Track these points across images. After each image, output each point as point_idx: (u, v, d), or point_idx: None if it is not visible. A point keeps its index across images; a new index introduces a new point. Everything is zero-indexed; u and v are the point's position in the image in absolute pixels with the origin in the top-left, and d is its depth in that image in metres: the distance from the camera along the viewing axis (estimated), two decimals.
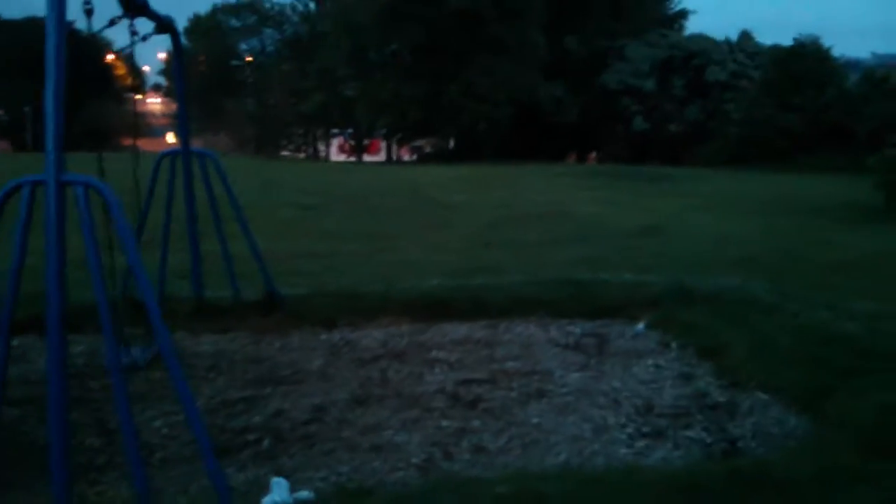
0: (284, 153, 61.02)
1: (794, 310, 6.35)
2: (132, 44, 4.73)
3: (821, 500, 3.17)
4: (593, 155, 47.07)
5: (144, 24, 5.01)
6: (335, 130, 59.76)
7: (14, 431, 4.31)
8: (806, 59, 32.21)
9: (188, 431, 4.20)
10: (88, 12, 3.95)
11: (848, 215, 14.99)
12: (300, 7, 58.51)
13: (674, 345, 5.78)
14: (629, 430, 4.30)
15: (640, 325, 6.26)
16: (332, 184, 21.04)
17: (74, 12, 4.00)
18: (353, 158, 55.85)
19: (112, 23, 4.51)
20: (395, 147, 53.57)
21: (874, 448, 3.69)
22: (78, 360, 5.30)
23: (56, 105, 3.30)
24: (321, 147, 62.56)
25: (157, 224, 6.19)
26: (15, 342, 5.31)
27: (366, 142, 57.23)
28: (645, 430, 4.29)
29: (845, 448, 3.72)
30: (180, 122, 6.13)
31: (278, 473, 3.71)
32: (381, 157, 54.43)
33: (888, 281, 8.37)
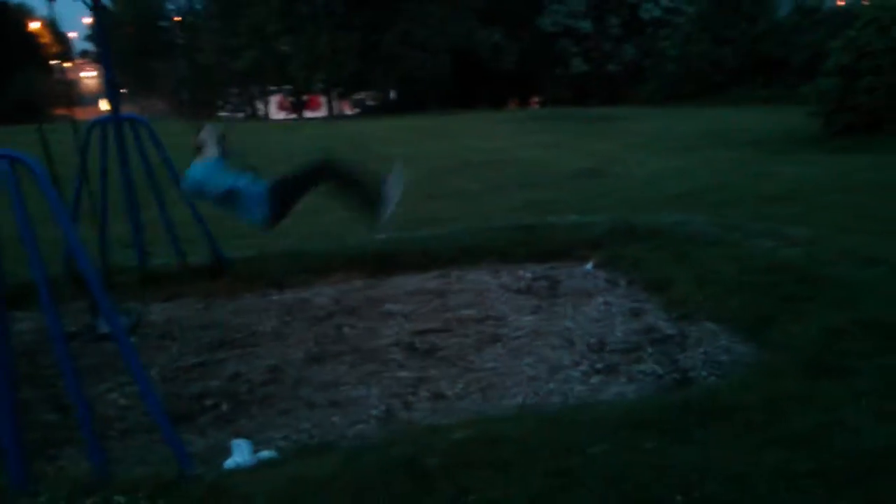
0: (222, 114, 59.71)
1: (736, 240, 6.49)
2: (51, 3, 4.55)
3: (769, 424, 3.29)
4: (535, 99, 47.06)
5: None
6: (273, 88, 58.57)
7: None
8: None
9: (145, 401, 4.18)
10: None
11: (784, 146, 15.30)
12: None
13: (622, 282, 5.89)
14: (583, 367, 4.38)
15: (589, 265, 6.36)
16: (271, 143, 20.70)
17: None
18: (293, 116, 54.94)
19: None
20: (335, 102, 52.82)
21: (818, 370, 3.82)
22: (26, 336, 5.19)
23: None
24: (260, 106, 61.34)
25: (95, 195, 6.04)
26: None
27: (305, 98, 56.28)
28: (598, 366, 4.38)
29: (791, 372, 3.85)
30: (108, 89, 5.94)
31: (238, 436, 3.71)
32: (323, 112, 53.66)
33: (824, 208, 8.59)
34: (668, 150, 15.43)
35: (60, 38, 46.39)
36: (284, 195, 4.67)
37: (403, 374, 4.44)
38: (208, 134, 4.80)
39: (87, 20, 65.48)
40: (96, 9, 5.52)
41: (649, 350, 4.59)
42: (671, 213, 7.77)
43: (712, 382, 4.12)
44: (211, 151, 4.72)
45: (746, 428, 3.28)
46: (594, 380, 4.23)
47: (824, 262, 5.67)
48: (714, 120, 21.27)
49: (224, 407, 4.18)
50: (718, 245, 6.32)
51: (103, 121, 5.95)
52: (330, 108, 52.46)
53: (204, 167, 4.65)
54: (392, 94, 47.56)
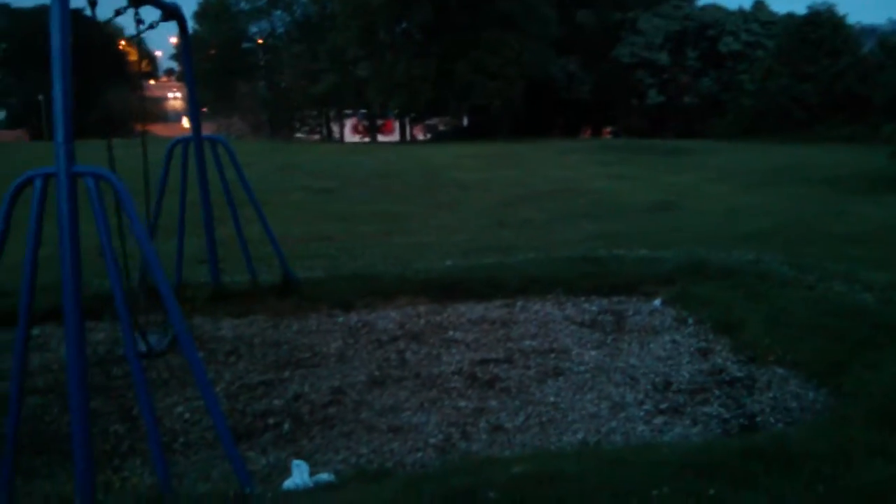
0: (299, 135, 60.98)
1: (810, 282, 6.32)
2: (139, 33, 4.72)
3: (837, 475, 3.17)
4: (608, 129, 46.78)
5: (151, 11, 5.01)
6: (348, 111, 59.61)
7: (37, 420, 4.37)
8: (821, 27, 31.77)
9: (210, 417, 4.26)
10: (92, 3, 3.95)
11: (863, 185, 14.87)
12: None
13: (690, 320, 5.77)
14: (647, 406, 4.30)
15: (657, 301, 6.25)
16: (345, 166, 21.07)
17: (81, 2, 4.02)
18: (367, 139, 55.76)
19: (118, 13, 4.51)
20: (408, 126, 53.42)
21: (891, 420, 3.67)
22: (100, 347, 5.36)
23: (64, 98, 3.31)
24: (335, 128, 62.46)
25: (173, 211, 6.23)
26: (35, 331, 5.40)
27: (379, 122, 57.10)
28: (663, 406, 4.29)
29: (863, 421, 3.71)
30: (191, 109, 6.14)
31: (298, 456, 3.75)
32: (396, 136, 54.30)
33: None
34: (744, 186, 15.14)
35: (145, 57, 48.10)
36: None
37: (463, 403, 4.43)
38: None
39: (174, 40, 67.87)
40: (183, 34, 5.71)
41: (716, 392, 4.48)
42: (745, 250, 7.61)
43: (780, 429, 4.00)
44: None
45: (815, 478, 3.16)
46: (658, 420, 4.14)
47: None
48: (792, 156, 20.80)
49: (286, 426, 4.23)
50: (792, 286, 6.16)
51: (185, 140, 6.14)
52: (403, 133, 53.06)
53: None
54: (465, 121, 47.87)
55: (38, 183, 3.39)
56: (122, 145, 4.96)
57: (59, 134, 3.28)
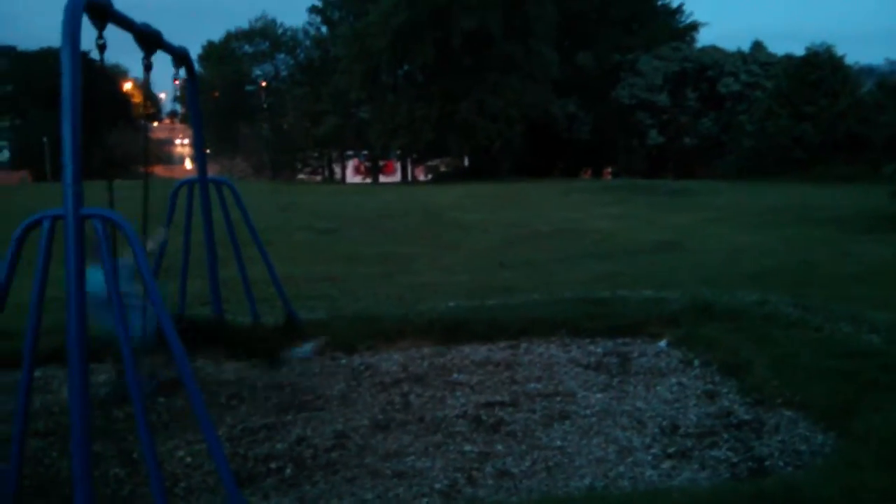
0: (301, 176, 61.38)
1: (816, 323, 6.28)
2: (146, 76, 4.78)
3: None
4: (608, 170, 47.06)
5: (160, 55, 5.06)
6: (350, 152, 60.09)
7: (37, 463, 4.32)
8: (819, 67, 32.08)
9: (211, 460, 4.21)
10: (101, 48, 3.99)
11: (865, 225, 14.88)
12: (312, 32, 59.01)
13: (696, 362, 5.73)
14: (654, 450, 4.25)
15: (662, 343, 6.21)
16: (347, 206, 21.15)
17: (91, 44, 4.05)
18: (368, 180, 56.09)
19: (148, 69, 4.60)
20: (410, 167, 53.76)
21: None
22: (101, 389, 5.31)
23: (73, 139, 3.32)
24: (337, 169, 62.87)
25: (177, 251, 6.23)
26: (37, 373, 5.36)
27: (381, 163, 57.49)
28: (670, 450, 4.24)
29: (873, 465, 3.66)
30: (196, 151, 6.18)
31: (301, 502, 3.70)
32: (397, 177, 54.63)
33: None
34: (745, 226, 15.16)
35: (151, 100, 48.69)
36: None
37: (468, 447, 4.38)
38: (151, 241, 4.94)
39: (177, 81, 68.50)
40: (191, 79, 5.76)
41: (724, 436, 4.43)
42: (749, 291, 7.58)
43: (790, 473, 3.95)
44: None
45: None
46: (666, 464, 4.09)
47: None
48: (793, 196, 20.87)
49: (288, 471, 4.18)
50: (798, 327, 6.12)
51: (190, 181, 6.17)
52: (404, 174, 53.40)
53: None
54: (465, 161, 48.18)
55: (45, 224, 3.40)
56: (126, 187, 4.97)
57: (68, 175, 3.29)
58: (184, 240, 6.20)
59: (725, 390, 5.15)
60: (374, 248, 13.40)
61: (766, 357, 5.45)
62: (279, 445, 4.51)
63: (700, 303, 6.88)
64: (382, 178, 55.61)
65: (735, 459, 4.14)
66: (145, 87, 5.26)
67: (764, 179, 28.59)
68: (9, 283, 3.56)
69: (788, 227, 14.73)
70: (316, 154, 62.09)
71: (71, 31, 3.39)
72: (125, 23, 4.17)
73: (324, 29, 57.57)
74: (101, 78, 5.18)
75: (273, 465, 4.25)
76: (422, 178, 53.81)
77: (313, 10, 57.10)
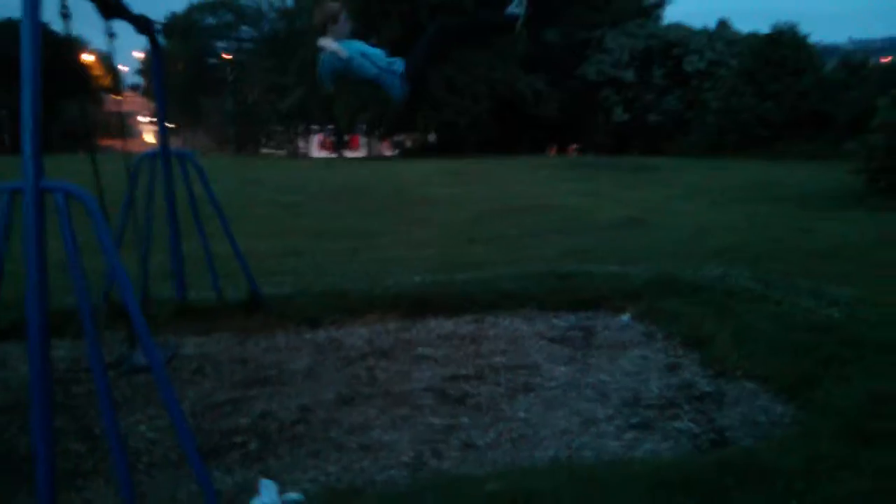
0: (265, 150, 60.75)
1: (778, 298, 6.37)
2: (110, 45, 4.67)
3: (808, 489, 3.18)
4: (574, 146, 47.18)
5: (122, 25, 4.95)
6: (315, 127, 59.54)
7: None
8: (783, 46, 32.32)
9: (174, 435, 4.17)
10: (65, 16, 3.89)
11: (828, 202, 15.09)
12: (277, 3, 58.20)
13: (659, 335, 5.80)
14: (617, 422, 4.29)
15: (626, 317, 6.27)
16: (313, 181, 20.98)
17: (51, 15, 3.94)
18: (333, 155, 55.68)
19: (112, 36, 4.51)
20: (375, 142, 53.43)
21: (859, 435, 3.70)
22: (60, 364, 5.24)
23: (34, 111, 3.25)
24: (301, 144, 62.32)
25: (138, 226, 6.13)
26: None
27: (346, 138, 57.06)
28: (633, 421, 4.29)
29: (831, 436, 3.74)
30: (159, 123, 6.07)
31: (266, 475, 3.68)
32: (362, 152, 54.30)
33: (869, 267, 8.41)
34: (710, 203, 15.30)
35: (112, 70, 47.75)
36: (419, 69, 4.73)
37: (434, 420, 4.39)
38: (340, 10, 4.67)
39: (139, 55, 67.23)
40: (154, 49, 5.65)
41: (685, 407, 4.49)
42: (713, 266, 7.66)
43: (750, 444, 4.01)
44: (343, 30, 4.63)
45: (786, 493, 3.17)
46: (628, 435, 4.13)
47: (868, 323, 5.53)
48: (757, 173, 21.09)
49: (252, 445, 4.16)
50: (760, 302, 6.21)
51: (152, 154, 6.06)
52: (370, 149, 53.08)
53: (347, 49, 4.56)
54: (431, 137, 48.00)
55: (4, 198, 3.32)
56: (83, 161, 4.86)
57: (27, 147, 3.22)
58: (146, 214, 6.10)
59: (687, 363, 5.22)
60: (340, 223, 13.32)
61: (727, 330, 5.52)
62: (243, 420, 4.49)
63: (663, 278, 6.96)
64: (348, 153, 55.25)
65: (697, 430, 4.20)
66: (108, 56, 5.13)
67: (728, 157, 28.87)
68: None
69: (752, 204, 14.89)
70: (281, 128, 61.48)
71: None
72: None
73: (289, 1, 56.82)
74: (62, 48, 5.05)
75: (237, 440, 4.22)
76: (388, 153, 53.56)
77: None
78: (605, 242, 10.34)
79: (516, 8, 4.74)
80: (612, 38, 41.88)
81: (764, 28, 35.91)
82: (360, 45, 4.65)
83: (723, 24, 44.23)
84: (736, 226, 11.93)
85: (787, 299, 6.24)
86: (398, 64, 4.65)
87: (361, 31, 35.81)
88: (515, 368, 5.17)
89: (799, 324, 5.51)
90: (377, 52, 4.67)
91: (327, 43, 4.52)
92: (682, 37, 41.57)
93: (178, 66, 57.13)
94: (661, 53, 41.21)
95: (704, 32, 42.49)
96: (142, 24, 5.23)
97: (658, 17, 48.54)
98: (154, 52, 5.80)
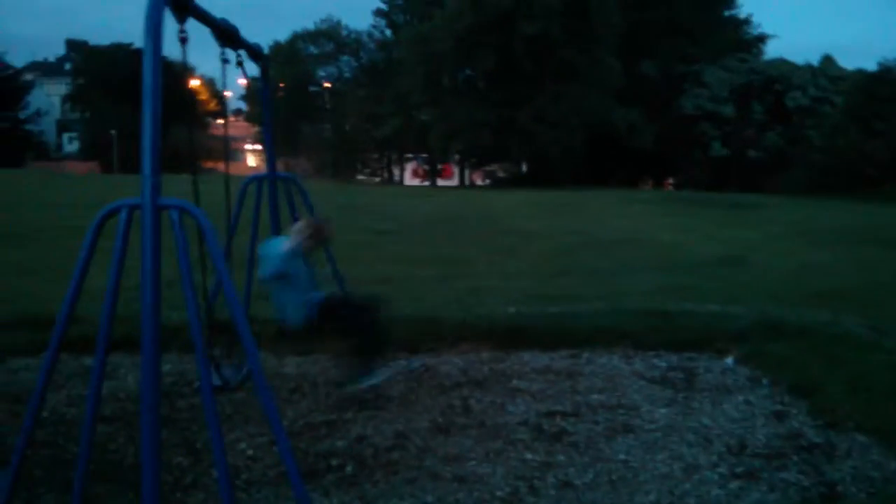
0: (360, 177, 61.90)
1: (889, 346, 6.08)
2: (224, 68, 4.83)
3: None
4: (670, 181, 46.42)
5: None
6: (409, 155, 60.41)
7: (102, 448, 4.38)
8: (891, 83, 31.18)
9: (273, 454, 4.23)
10: (183, 41, 4.03)
11: None
12: (377, 35, 59.52)
13: (765, 381, 5.58)
14: (721, 469, 4.13)
15: (730, 359, 6.07)
16: (406, 208, 21.21)
17: (169, 40, 4.10)
18: (426, 183, 56.29)
19: (226, 62, 4.71)
20: (467, 172, 53.81)
21: None
22: (166, 378, 5.39)
23: (153, 133, 3.37)
24: (395, 171, 63.27)
25: (242, 246, 6.28)
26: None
27: (439, 166, 57.67)
28: (738, 470, 4.12)
29: None
30: (267, 147, 6.23)
31: (362, 500, 3.69)
32: (455, 181, 54.72)
33: None
34: (812, 243, 14.76)
35: (218, 96, 49.67)
36: (328, 314, 5.13)
37: (530, 456, 4.32)
38: (303, 227, 5.26)
39: (243, 81, 69.72)
40: (264, 76, 5.82)
41: (793, 458, 4.29)
42: (817, 310, 7.36)
43: (862, 499, 3.81)
44: (295, 240, 5.13)
45: None
46: (733, 484, 3.97)
47: None
48: (863, 215, 20.28)
49: (349, 469, 4.17)
50: (871, 350, 5.93)
51: (259, 177, 6.22)
52: (462, 178, 53.46)
53: (283, 248, 5.09)
54: (524, 167, 48.03)
55: (123, 214, 3.45)
56: (188, 181, 5.03)
57: (146, 166, 3.33)
58: (251, 235, 6.25)
59: (795, 411, 5.00)
60: (432, 251, 13.39)
61: (837, 378, 5.28)
62: (340, 442, 4.52)
63: (768, 320, 6.72)
64: (440, 182, 55.77)
65: (805, 483, 4.01)
66: (222, 82, 5.31)
67: (832, 196, 27.85)
68: (86, 269, 3.62)
69: (858, 247, 14.29)
70: (376, 156, 62.60)
71: (153, 22, 3.43)
72: (205, 17, 4.21)
73: (388, 32, 58.04)
74: (178, 73, 5.24)
75: (333, 462, 4.25)
76: (479, 182, 53.81)
77: (378, 12, 57.66)
78: (702, 280, 10.07)
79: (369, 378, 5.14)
80: (710, 72, 41.23)
81: (870, 65, 34.77)
82: (305, 267, 5.19)
83: (827, 60, 43.01)
84: (840, 269, 11.47)
85: None
86: (317, 296, 5.14)
87: (459, 60, 36.12)
88: (614, 408, 5.05)
89: None
90: (308, 279, 5.20)
91: (295, 239, 5.12)
92: (784, 72, 40.64)
93: (280, 94, 58.98)
94: (762, 88, 40.37)
95: (808, 68, 41.45)
96: (254, 53, 5.39)
97: (759, 52, 47.53)
98: (263, 79, 5.97)
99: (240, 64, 4.83)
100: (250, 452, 4.38)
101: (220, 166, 6.73)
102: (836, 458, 4.31)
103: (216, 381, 5.06)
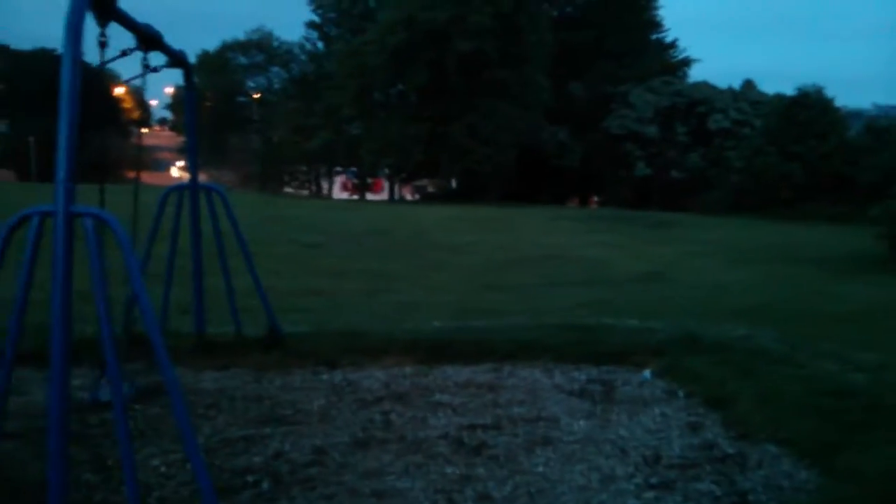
0: (288, 190, 61.26)
1: (801, 360, 6.29)
2: (144, 74, 4.73)
3: None
4: (595, 199, 47.28)
5: (156, 58, 5.02)
6: (339, 168, 60.09)
7: (6, 465, 4.21)
8: (808, 108, 32.44)
9: (186, 471, 4.12)
10: (102, 44, 3.94)
11: (850, 266, 14.98)
12: (308, 46, 59.17)
13: (681, 393, 5.70)
14: (637, 480, 4.20)
15: (647, 373, 6.18)
16: (334, 221, 21.08)
17: (88, 44, 4.00)
18: (355, 197, 56.05)
19: (124, 53, 4.50)
20: (397, 186, 53.79)
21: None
22: (77, 393, 5.21)
23: (69, 136, 3.28)
24: (324, 184, 62.83)
25: (161, 258, 6.15)
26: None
27: (369, 180, 57.51)
28: (653, 481, 4.19)
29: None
30: (190, 157, 6.13)
31: None
32: (384, 196, 54.64)
33: (892, 333, 8.31)
34: (731, 261, 15.23)
35: (143, 104, 48.58)
36: None
37: (450, 469, 4.31)
38: None
39: (169, 90, 68.47)
40: (188, 83, 5.72)
41: (707, 468, 4.39)
42: (734, 325, 7.58)
43: None
44: None
45: None
46: (648, 494, 4.04)
47: (893, 389, 5.44)
48: (779, 234, 21.01)
49: (265, 485, 4.09)
50: (784, 364, 6.12)
51: (181, 187, 6.10)
52: (392, 192, 53.41)
53: None
54: (454, 183, 48.26)
55: (34, 221, 3.34)
56: (112, 191, 4.90)
57: (61, 171, 3.23)
58: (170, 247, 6.12)
59: (709, 423, 5.12)
60: (359, 265, 13.35)
61: (750, 391, 5.43)
62: (256, 458, 4.43)
63: (685, 334, 6.87)
64: (370, 196, 55.61)
65: (718, 493, 4.09)
66: (140, 88, 5.20)
67: (750, 216, 28.78)
68: None
69: (774, 265, 14.81)
70: (304, 168, 62.05)
71: (74, 24, 3.36)
72: (127, 22, 4.13)
73: (320, 44, 57.73)
74: (97, 78, 5.11)
75: (250, 479, 4.16)
76: (409, 197, 53.84)
77: (311, 25, 57.31)
78: (624, 296, 10.28)
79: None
80: (637, 95, 42.23)
81: (789, 90, 36.10)
82: None
83: (748, 85, 44.55)
84: (756, 285, 11.85)
85: (812, 362, 6.15)
86: None
87: (391, 76, 36.18)
88: (534, 420, 5.09)
89: (823, 388, 5.41)
90: None
91: None
92: (707, 95, 41.90)
93: (207, 103, 58.02)
94: (685, 111, 41.50)
95: (729, 92, 42.81)
96: (178, 59, 5.30)
97: (684, 76, 48.92)
98: (188, 85, 5.88)
99: (153, 69, 4.71)
100: (164, 469, 4.26)
101: (143, 176, 6.59)
102: (748, 468, 4.42)
103: (106, 396, 4.89)
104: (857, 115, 41.54)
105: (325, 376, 6.06)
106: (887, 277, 13.41)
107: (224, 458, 4.43)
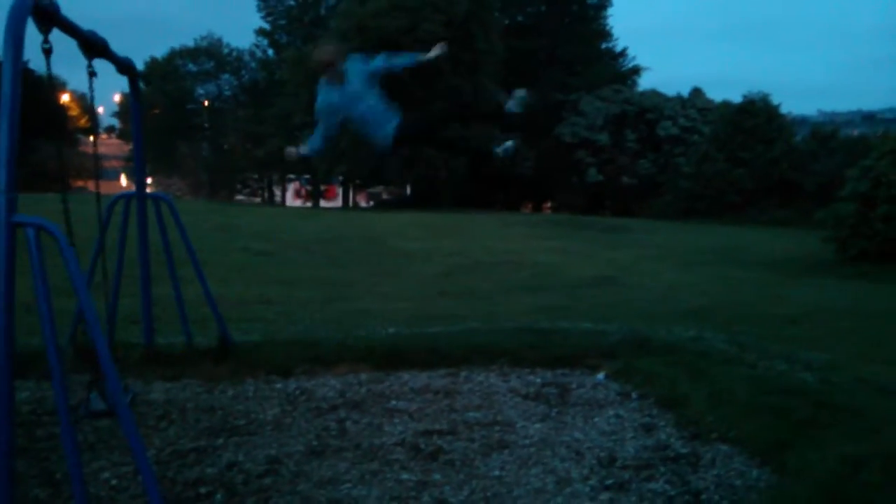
0: (239, 198, 60.63)
1: (751, 361, 6.39)
2: (91, 83, 4.63)
3: None
4: (548, 205, 47.67)
5: (103, 66, 4.92)
6: (291, 175, 59.63)
7: None
8: (755, 115, 33.16)
9: (138, 483, 4.03)
10: (47, 52, 3.84)
11: (797, 268, 15.33)
12: (259, 53, 58.69)
13: (634, 395, 5.76)
14: (592, 482, 4.22)
15: (601, 375, 6.24)
16: (286, 229, 20.89)
17: (32, 51, 3.91)
18: (309, 204, 55.68)
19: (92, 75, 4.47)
20: (351, 193, 53.58)
21: (834, 501, 3.68)
22: (23, 407, 5.08)
23: (10, 144, 3.20)
24: (276, 192, 62.29)
25: (108, 267, 6.02)
26: None
27: (323, 187, 57.17)
28: (608, 482, 4.22)
29: (806, 501, 3.71)
30: (136, 165, 6.01)
31: None
32: (338, 202, 54.37)
33: (839, 333, 8.50)
34: (681, 265, 15.45)
35: (91, 112, 47.72)
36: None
37: (406, 476, 4.29)
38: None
39: (117, 97, 67.31)
40: (134, 90, 5.62)
41: (661, 469, 4.43)
42: (685, 327, 7.69)
43: None
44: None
45: None
46: (603, 496, 4.06)
47: (841, 388, 5.56)
48: (728, 238, 21.40)
49: (218, 497, 4.02)
50: (734, 364, 6.22)
51: (127, 195, 5.99)
52: (346, 199, 53.19)
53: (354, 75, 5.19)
54: (408, 190, 48.25)
55: None
56: (57, 200, 4.79)
57: (1, 180, 3.15)
58: (117, 256, 6.00)
59: (662, 423, 5.18)
60: (312, 273, 13.24)
61: (702, 392, 5.50)
62: (209, 470, 4.35)
63: (637, 337, 6.95)
64: (323, 203, 55.29)
65: (672, 492, 4.13)
66: (90, 96, 5.08)
67: (699, 221, 29.30)
68: None
69: (723, 268, 15.06)
70: (256, 176, 61.46)
71: (14, 31, 3.28)
72: (71, 29, 4.04)
73: (270, 51, 57.31)
74: (42, 86, 4.98)
75: (202, 490, 4.09)
76: (363, 204, 53.68)
77: (260, 32, 56.85)
78: (577, 300, 10.36)
79: None
80: (587, 102, 42.73)
81: (736, 97, 36.83)
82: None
83: (696, 92, 45.37)
84: (706, 288, 12.04)
85: (761, 362, 6.26)
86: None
87: None
88: (490, 424, 5.10)
89: (773, 387, 5.51)
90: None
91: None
92: (656, 103, 42.56)
93: (156, 111, 57.16)
94: (635, 118, 42.10)
95: (678, 99, 43.55)
96: (123, 66, 5.21)
97: (633, 84, 49.64)
98: (133, 93, 5.77)
99: (92, 74, 4.59)
100: (114, 482, 4.16)
101: (91, 185, 6.45)
102: (700, 467, 4.47)
103: (99, 405, 4.78)
104: (802, 121, 42.63)
105: (278, 385, 5.98)
106: (834, 279, 13.74)
107: (176, 470, 4.35)
